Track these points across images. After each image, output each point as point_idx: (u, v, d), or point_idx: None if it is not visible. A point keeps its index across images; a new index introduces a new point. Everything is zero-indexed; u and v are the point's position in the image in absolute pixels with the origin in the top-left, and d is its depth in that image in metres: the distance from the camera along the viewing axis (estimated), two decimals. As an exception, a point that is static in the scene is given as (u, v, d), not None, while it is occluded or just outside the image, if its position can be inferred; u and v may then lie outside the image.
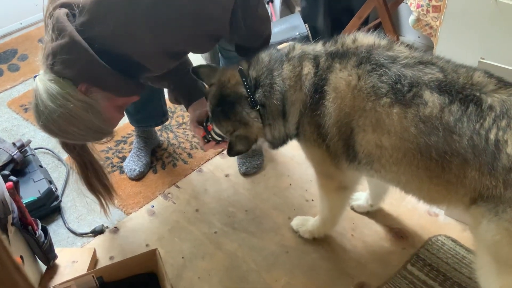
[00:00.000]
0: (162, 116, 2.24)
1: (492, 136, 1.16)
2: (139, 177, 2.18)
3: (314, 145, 1.49)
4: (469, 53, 1.62)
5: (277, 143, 1.59)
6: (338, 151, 1.44)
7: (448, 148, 1.21)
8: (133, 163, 2.21)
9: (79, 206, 2.08)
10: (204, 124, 1.67)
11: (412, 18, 2.04)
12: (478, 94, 1.20)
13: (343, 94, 1.34)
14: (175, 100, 1.85)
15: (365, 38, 1.42)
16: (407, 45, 1.43)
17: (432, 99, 1.22)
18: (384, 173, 1.38)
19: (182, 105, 1.96)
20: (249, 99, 1.47)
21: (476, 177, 1.19)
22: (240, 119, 1.50)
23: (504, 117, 1.15)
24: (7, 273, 0.47)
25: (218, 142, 1.68)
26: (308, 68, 1.42)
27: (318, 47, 1.47)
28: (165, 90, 2.21)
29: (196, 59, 2.88)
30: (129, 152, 2.29)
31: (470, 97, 1.20)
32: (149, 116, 2.20)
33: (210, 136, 1.66)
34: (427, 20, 1.96)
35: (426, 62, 1.30)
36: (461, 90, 1.21)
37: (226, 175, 2.20)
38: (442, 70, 1.26)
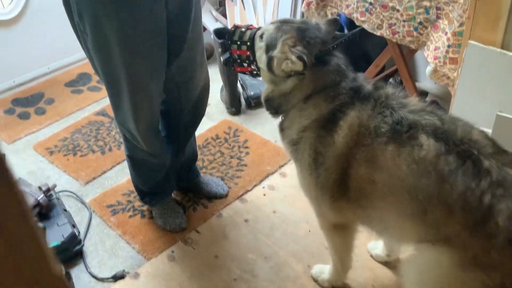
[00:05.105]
0: (174, 187, 2.28)
1: (486, 199, 1.18)
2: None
3: (307, 170, 1.51)
4: (487, 106, 1.65)
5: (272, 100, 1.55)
6: (327, 183, 1.46)
7: (436, 194, 1.24)
8: (174, 216, 2.18)
9: (100, 250, 2.12)
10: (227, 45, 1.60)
11: (429, 69, 2.08)
12: (476, 152, 1.22)
13: (354, 131, 1.39)
14: None
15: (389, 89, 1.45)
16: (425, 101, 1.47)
17: (427, 143, 1.26)
18: (371, 210, 1.40)
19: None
20: None
21: (456, 229, 1.22)
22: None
23: (500, 185, 1.18)
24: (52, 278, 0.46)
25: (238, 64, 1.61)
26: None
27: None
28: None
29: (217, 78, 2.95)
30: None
31: (468, 153, 1.22)
32: (163, 192, 2.21)
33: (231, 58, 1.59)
34: (444, 71, 2.00)
35: (429, 112, 1.35)
36: (459, 143, 1.24)
37: (246, 220, 2.21)
38: (440, 119, 1.31)
